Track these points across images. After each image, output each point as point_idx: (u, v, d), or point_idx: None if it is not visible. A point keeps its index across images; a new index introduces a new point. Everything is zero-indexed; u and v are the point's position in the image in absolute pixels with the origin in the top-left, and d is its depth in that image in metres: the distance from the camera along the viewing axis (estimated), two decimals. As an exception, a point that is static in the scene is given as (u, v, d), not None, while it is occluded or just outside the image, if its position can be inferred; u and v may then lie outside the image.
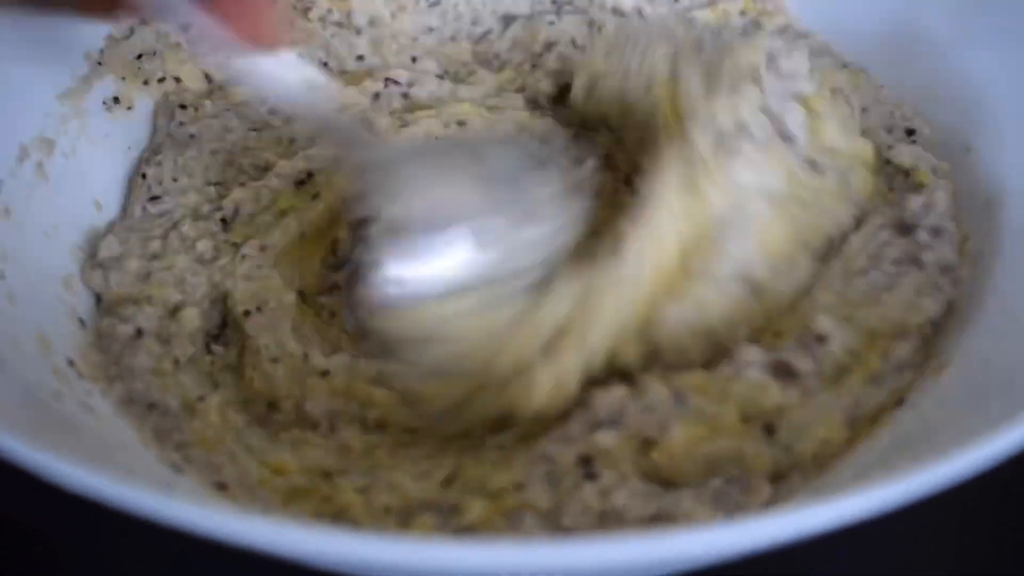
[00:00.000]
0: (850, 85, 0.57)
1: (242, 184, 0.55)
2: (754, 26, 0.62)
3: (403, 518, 0.41)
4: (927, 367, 0.45)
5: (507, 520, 0.40)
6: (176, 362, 0.48)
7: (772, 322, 0.46)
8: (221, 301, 0.51)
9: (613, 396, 0.43)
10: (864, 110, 0.56)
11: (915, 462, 0.35)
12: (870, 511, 0.34)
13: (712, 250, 0.45)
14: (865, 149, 0.51)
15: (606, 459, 0.41)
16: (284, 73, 0.47)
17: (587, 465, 0.41)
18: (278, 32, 0.45)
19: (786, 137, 0.47)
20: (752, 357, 0.44)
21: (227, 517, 0.33)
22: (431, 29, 0.64)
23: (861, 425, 0.43)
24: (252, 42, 0.45)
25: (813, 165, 0.48)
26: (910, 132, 0.55)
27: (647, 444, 0.42)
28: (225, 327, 0.51)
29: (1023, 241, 0.48)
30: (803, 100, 0.48)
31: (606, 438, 0.42)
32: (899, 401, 0.45)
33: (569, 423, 0.43)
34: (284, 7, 0.45)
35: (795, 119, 0.47)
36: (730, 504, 0.40)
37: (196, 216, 0.54)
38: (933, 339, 0.46)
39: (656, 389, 0.43)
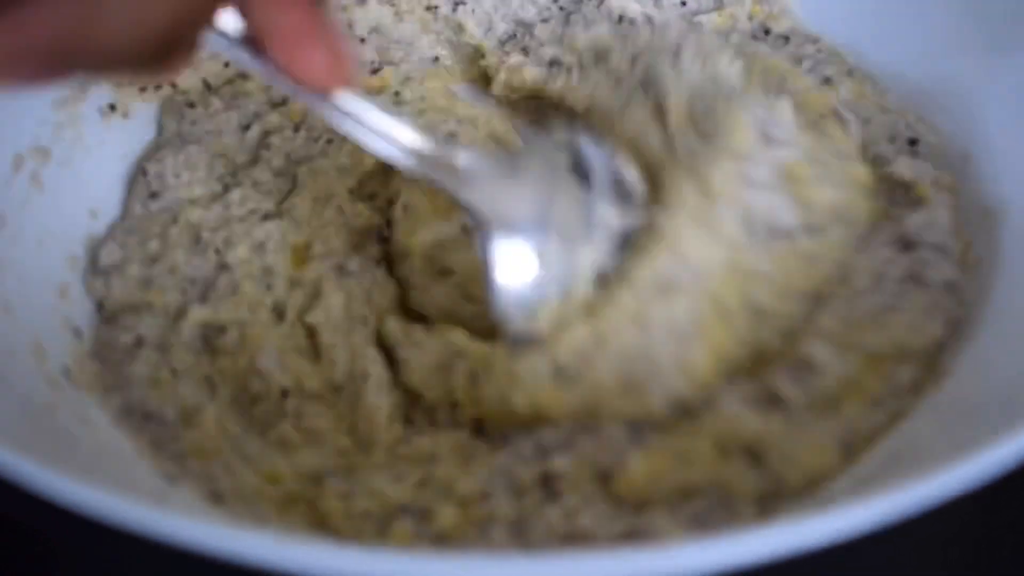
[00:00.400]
0: (854, 94, 0.56)
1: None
2: (762, 30, 0.61)
3: (381, 523, 0.42)
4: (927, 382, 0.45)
5: (477, 529, 0.41)
6: (174, 371, 0.48)
7: (761, 354, 0.45)
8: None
9: (560, 428, 0.43)
10: (867, 121, 0.54)
11: (910, 476, 0.35)
12: (863, 527, 0.34)
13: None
14: (860, 175, 0.49)
15: (566, 481, 0.41)
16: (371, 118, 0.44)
17: (548, 485, 0.41)
18: (336, 74, 0.42)
19: (777, 234, 0.44)
20: (728, 393, 0.42)
21: (218, 533, 0.34)
22: (436, 35, 0.64)
23: (857, 447, 0.42)
24: (311, 85, 0.42)
25: (811, 230, 0.45)
26: (913, 142, 0.54)
27: (605, 475, 0.41)
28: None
29: (1022, 250, 0.48)
30: (788, 172, 0.45)
31: (560, 462, 0.41)
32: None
33: (517, 443, 0.43)
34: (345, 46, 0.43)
35: (781, 211, 0.44)
36: (710, 526, 0.39)
37: (198, 205, 0.54)
38: (936, 355, 0.46)
39: (608, 424, 0.42)
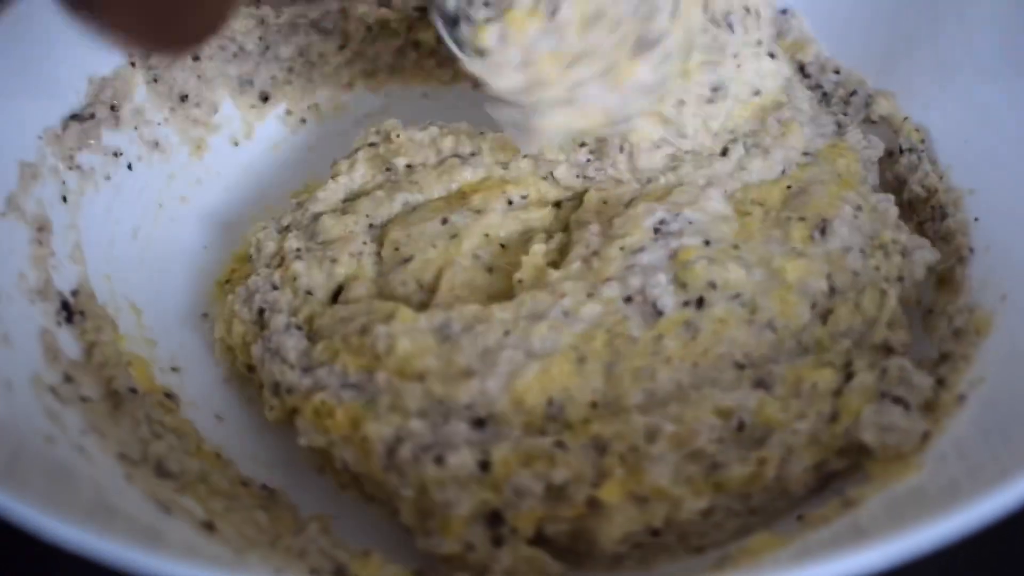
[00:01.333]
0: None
1: None
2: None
3: None
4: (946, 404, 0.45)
5: None
6: (163, 425, 0.50)
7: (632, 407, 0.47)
8: None
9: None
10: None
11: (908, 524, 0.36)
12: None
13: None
14: (789, 269, 0.50)
15: None
16: None
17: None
18: None
19: (656, 312, 0.48)
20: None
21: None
22: None
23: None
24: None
25: (691, 303, 0.49)
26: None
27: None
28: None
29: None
30: (675, 255, 0.50)
31: None
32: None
33: None
34: None
35: (662, 292, 0.49)
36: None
37: None
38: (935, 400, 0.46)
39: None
